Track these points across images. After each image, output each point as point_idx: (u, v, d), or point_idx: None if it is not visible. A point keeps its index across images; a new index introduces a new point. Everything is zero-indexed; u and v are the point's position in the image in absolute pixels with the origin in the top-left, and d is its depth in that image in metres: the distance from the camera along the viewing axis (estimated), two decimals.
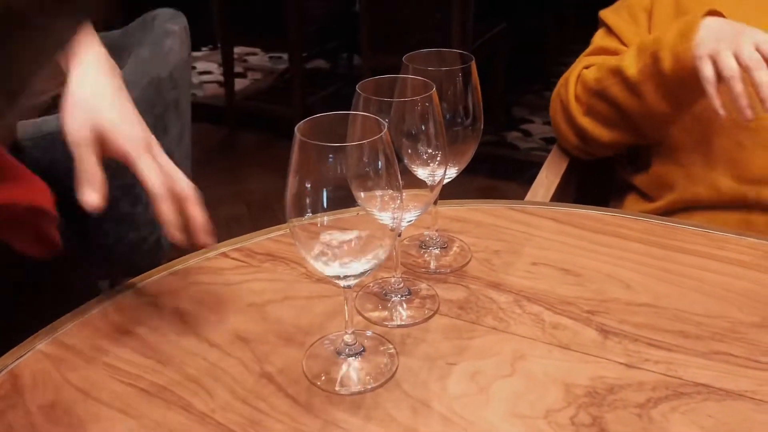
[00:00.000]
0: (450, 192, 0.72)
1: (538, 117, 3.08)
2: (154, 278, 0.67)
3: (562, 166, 1.00)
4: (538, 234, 0.74)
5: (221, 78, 2.97)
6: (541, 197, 0.95)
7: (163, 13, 1.41)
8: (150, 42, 1.30)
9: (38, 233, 0.72)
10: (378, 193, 0.54)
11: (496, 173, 2.59)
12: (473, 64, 0.63)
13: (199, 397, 0.53)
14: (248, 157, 2.70)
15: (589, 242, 0.73)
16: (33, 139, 1.07)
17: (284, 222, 0.79)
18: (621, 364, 0.57)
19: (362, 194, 0.52)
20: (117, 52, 1.48)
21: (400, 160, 0.58)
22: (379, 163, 0.51)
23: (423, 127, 0.57)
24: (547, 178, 0.99)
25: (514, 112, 3.09)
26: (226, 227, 2.11)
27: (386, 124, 0.51)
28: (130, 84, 1.24)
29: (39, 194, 0.73)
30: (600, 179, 1.13)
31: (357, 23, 2.56)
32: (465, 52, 0.64)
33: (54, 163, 1.12)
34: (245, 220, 2.17)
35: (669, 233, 0.73)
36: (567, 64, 1.12)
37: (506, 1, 2.91)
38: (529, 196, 0.96)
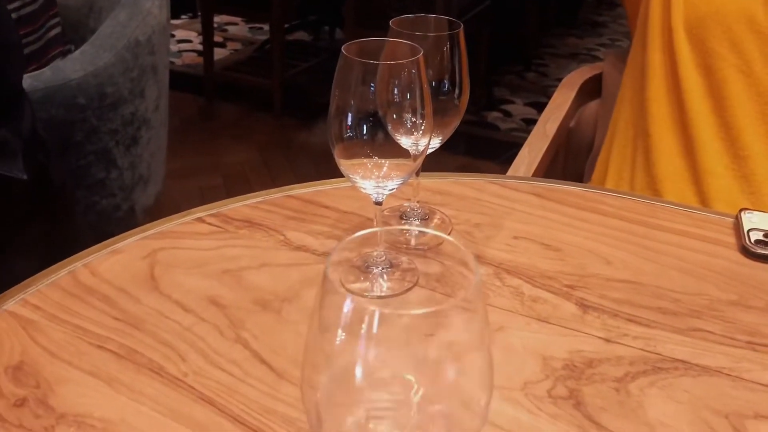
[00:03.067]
0: (427, 168, 0.72)
1: (519, 98, 3.08)
2: (127, 241, 0.65)
3: (545, 143, 1.00)
4: (520, 208, 0.74)
5: (200, 47, 2.92)
6: (522, 173, 0.95)
7: None
8: (128, 3, 1.27)
9: None
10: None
11: (474, 152, 2.59)
12: (461, 32, 0.61)
13: (172, 361, 0.52)
14: (225, 128, 2.66)
15: (570, 218, 0.72)
16: (29, 93, 1.04)
17: (257, 191, 0.78)
18: (600, 338, 0.56)
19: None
20: (95, 13, 1.45)
21: (384, 127, 0.56)
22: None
23: (408, 94, 0.55)
24: (530, 154, 0.98)
25: (495, 93, 3.08)
26: (200, 198, 2.08)
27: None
28: (106, 46, 1.21)
29: None
30: (584, 161, 1.13)
31: None
32: (454, 19, 0.62)
33: (49, 120, 1.09)
34: (220, 191, 2.15)
35: (649, 211, 0.73)
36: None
37: None
38: (510, 172, 0.96)
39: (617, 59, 1.09)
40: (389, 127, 0.57)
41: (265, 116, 2.73)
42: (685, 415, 0.50)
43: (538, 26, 3.39)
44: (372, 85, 0.53)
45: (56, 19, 1.25)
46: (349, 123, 0.55)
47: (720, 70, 0.86)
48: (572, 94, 1.09)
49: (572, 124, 1.11)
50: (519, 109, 2.97)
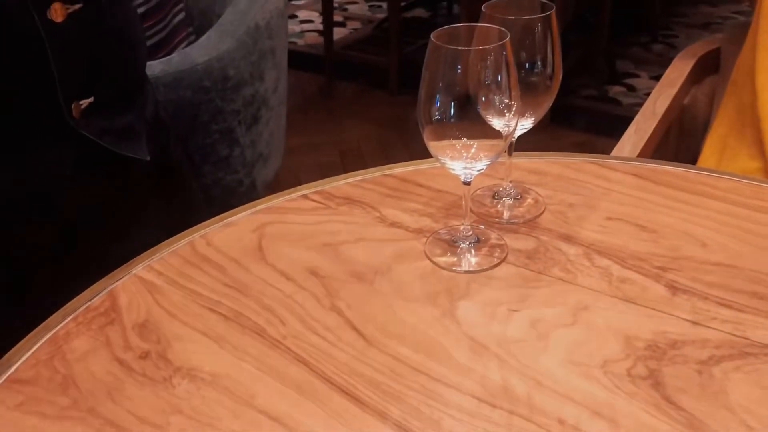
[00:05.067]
0: (544, 144, 0.72)
1: (644, 71, 2.94)
2: (239, 215, 0.71)
3: (653, 122, 0.97)
4: (617, 189, 0.74)
5: (321, 27, 3.00)
6: (627, 153, 0.93)
7: None
8: None
9: None
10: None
11: (594, 128, 2.51)
12: (553, 14, 0.62)
13: (273, 325, 0.57)
14: (344, 106, 2.74)
15: (669, 199, 0.71)
16: (160, 78, 1.14)
17: (371, 167, 0.82)
18: (687, 320, 0.56)
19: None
20: (220, 0, 1.54)
21: (473, 109, 0.58)
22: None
23: (497, 77, 0.57)
24: (636, 133, 0.96)
25: (618, 66, 2.96)
26: (319, 173, 2.17)
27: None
28: (228, 31, 1.29)
29: None
30: (700, 140, 1.09)
31: None
32: (546, 2, 0.63)
33: (179, 102, 1.19)
34: (338, 168, 2.23)
35: (755, 193, 0.70)
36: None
37: None
38: (615, 152, 0.95)
39: (737, 32, 1.03)
40: (480, 109, 0.59)
41: (382, 94, 2.78)
42: None
43: None
44: (459, 68, 0.56)
45: (180, 5, 1.35)
46: (438, 105, 0.57)
47: None
48: (687, 70, 1.05)
49: (687, 101, 1.07)
50: (644, 83, 2.84)
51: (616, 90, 2.82)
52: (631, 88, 2.82)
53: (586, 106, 2.69)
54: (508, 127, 0.60)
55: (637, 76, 2.92)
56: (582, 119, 2.58)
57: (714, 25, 3.31)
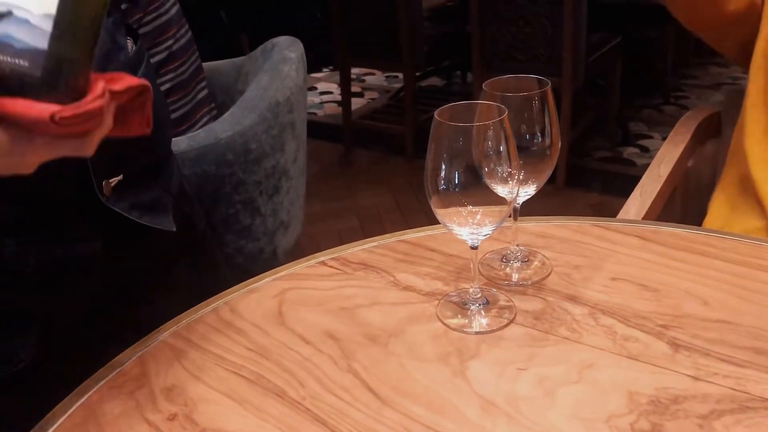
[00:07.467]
0: (560, 206, 0.76)
1: (657, 132, 3.00)
2: (262, 282, 0.75)
3: (658, 185, 1.01)
4: (621, 251, 0.77)
5: (340, 98, 3.11)
6: (633, 215, 0.97)
7: (282, 41, 1.53)
8: (269, 68, 1.42)
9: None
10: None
11: (609, 190, 2.55)
12: (549, 90, 0.67)
13: (293, 387, 0.60)
14: (362, 173, 2.82)
15: (671, 259, 0.74)
16: (186, 152, 1.21)
17: (390, 232, 0.86)
18: (688, 376, 0.58)
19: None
20: (242, 77, 1.63)
21: (478, 179, 0.63)
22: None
23: (498, 149, 0.61)
24: (641, 197, 0.99)
25: (631, 127, 3.02)
26: (338, 239, 2.22)
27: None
28: (250, 107, 1.36)
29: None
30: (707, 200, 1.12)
31: (470, 42, 2.61)
32: (542, 78, 0.68)
33: (203, 175, 1.25)
34: (356, 233, 2.28)
35: (754, 252, 0.73)
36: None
37: (623, 14, 2.86)
38: (621, 214, 0.98)
39: (735, 97, 1.08)
40: (485, 178, 0.63)
41: (399, 160, 2.86)
42: None
43: (676, 57, 3.29)
44: (461, 142, 0.60)
45: (204, 83, 1.43)
46: (443, 176, 0.62)
47: None
48: (689, 134, 1.09)
49: (690, 163, 1.11)
50: (657, 144, 2.89)
51: (630, 151, 2.87)
52: (645, 149, 2.87)
53: (600, 168, 2.73)
54: (512, 193, 0.64)
55: (650, 137, 2.97)
56: (597, 181, 2.62)
57: (725, 85, 3.37)
